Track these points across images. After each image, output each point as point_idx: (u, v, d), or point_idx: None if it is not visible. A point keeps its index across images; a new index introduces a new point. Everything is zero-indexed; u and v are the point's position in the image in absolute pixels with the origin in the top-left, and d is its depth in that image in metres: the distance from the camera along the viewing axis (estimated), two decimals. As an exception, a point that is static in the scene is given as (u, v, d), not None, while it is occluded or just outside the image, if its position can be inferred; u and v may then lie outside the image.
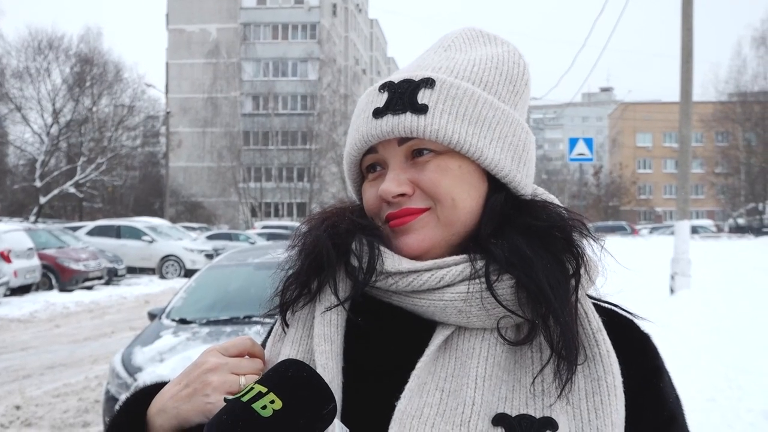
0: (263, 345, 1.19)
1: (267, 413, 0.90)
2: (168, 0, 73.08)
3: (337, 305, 1.10)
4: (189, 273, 25.75)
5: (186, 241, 29.64)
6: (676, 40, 15.87)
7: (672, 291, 14.72)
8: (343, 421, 1.01)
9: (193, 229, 42.13)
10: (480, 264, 1.06)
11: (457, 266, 1.07)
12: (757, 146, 59.75)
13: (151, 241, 28.13)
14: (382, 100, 1.12)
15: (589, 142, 18.58)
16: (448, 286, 1.06)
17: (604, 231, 43.01)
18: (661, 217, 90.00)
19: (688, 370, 7.58)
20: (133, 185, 61.64)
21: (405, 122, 1.08)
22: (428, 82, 1.10)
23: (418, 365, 1.04)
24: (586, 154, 18.34)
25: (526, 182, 1.15)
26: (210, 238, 35.68)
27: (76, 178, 47.13)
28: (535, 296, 1.03)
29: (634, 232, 53.42)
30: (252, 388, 0.93)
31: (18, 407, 8.55)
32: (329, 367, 1.05)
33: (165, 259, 27.85)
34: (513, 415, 1.00)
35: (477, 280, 1.05)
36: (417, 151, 1.11)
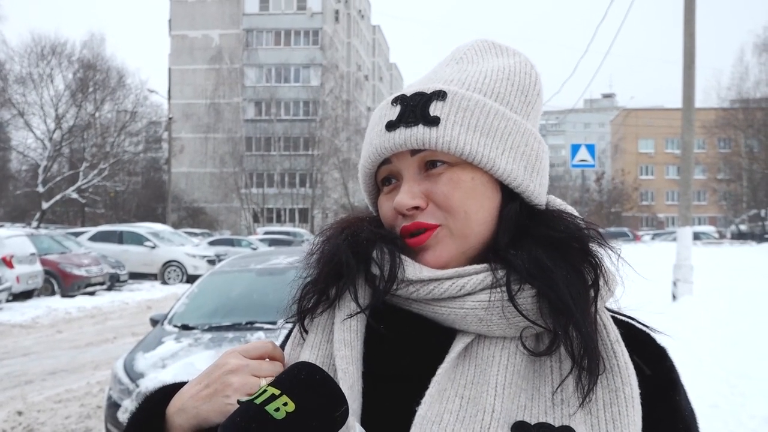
0: (282, 348, 1.19)
1: (280, 415, 0.91)
2: (171, 6, 73.23)
3: (358, 312, 1.11)
4: (191, 279, 25.75)
5: (188, 247, 29.63)
6: (679, 46, 15.93)
7: (674, 297, 14.71)
8: (363, 425, 1.02)
9: (196, 234, 42.16)
10: (501, 273, 1.07)
11: (478, 275, 1.08)
12: (760, 153, 59.72)
13: (153, 247, 28.12)
14: (394, 113, 1.13)
15: (591, 148, 18.57)
16: (469, 294, 1.07)
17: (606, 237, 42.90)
18: (664, 223, 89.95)
19: (690, 377, 7.56)
20: (135, 191, 61.67)
21: (417, 134, 1.09)
22: (440, 95, 1.11)
23: (439, 371, 1.05)
24: (589, 161, 18.34)
25: (539, 192, 1.16)
26: (212, 243, 35.69)
27: (79, 183, 47.19)
28: (557, 307, 1.04)
29: (636, 238, 53.35)
30: (265, 391, 0.94)
31: (20, 413, 8.54)
32: (350, 372, 1.06)
33: (167, 264, 27.84)
34: (532, 423, 1.01)
35: (498, 290, 1.06)
36: (430, 162, 1.12)
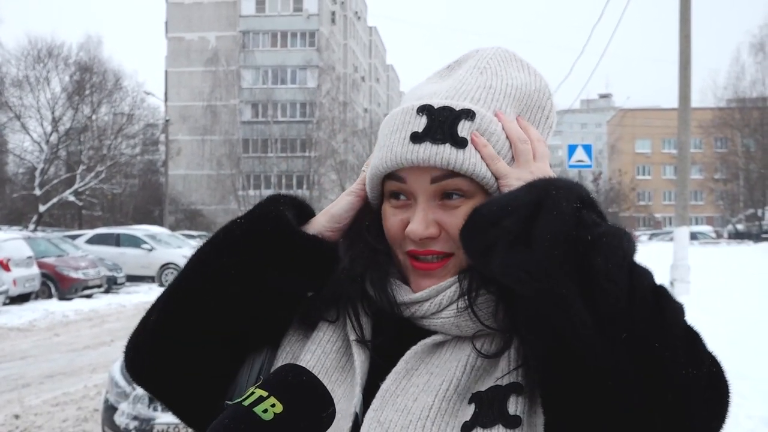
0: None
1: (268, 417, 0.93)
2: (167, 8, 73.16)
3: (366, 342, 1.19)
4: (188, 281, 25.71)
5: (185, 249, 29.57)
6: (675, 46, 15.91)
7: (672, 297, 14.72)
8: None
9: (193, 236, 42.05)
10: (465, 283, 1.13)
11: (450, 288, 1.14)
12: (756, 152, 59.80)
13: (150, 249, 28.11)
14: (420, 124, 1.13)
15: (588, 148, 18.59)
16: (445, 308, 1.13)
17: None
18: (660, 223, 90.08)
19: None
20: (132, 193, 61.56)
21: (444, 154, 1.10)
22: (468, 114, 1.12)
23: (408, 352, 1.13)
24: (585, 161, 18.35)
25: None
26: (209, 245, 35.62)
27: (76, 186, 47.10)
28: (508, 312, 1.10)
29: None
30: (253, 393, 0.96)
31: (17, 416, 8.53)
32: (361, 361, 1.16)
33: (164, 267, 27.83)
34: (484, 390, 1.07)
35: (464, 299, 1.12)
36: (446, 193, 1.14)
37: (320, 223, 1.26)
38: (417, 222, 1.12)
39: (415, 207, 1.14)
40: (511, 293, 1.03)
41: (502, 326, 1.11)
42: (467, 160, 1.09)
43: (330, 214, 1.26)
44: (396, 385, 1.10)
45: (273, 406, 0.94)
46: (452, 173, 1.11)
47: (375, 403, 1.08)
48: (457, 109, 1.12)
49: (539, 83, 1.23)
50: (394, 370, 1.11)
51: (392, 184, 1.17)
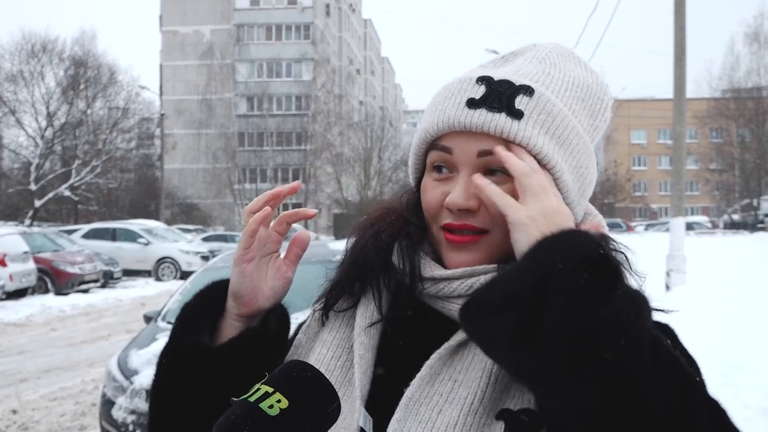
0: (292, 340, 1.27)
1: (274, 412, 0.93)
2: (161, 2, 72.97)
3: (379, 320, 1.17)
4: (185, 275, 25.72)
5: (182, 243, 29.63)
6: (670, 37, 15.91)
7: (667, 287, 14.76)
8: (367, 408, 1.08)
9: (189, 231, 42.08)
10: None
11: (487, 275, 1.09)
12: (751, 142, 59.78)
13: (146, 244, 28.10)
14: (478, 92, 1.11)
15: (583, 139, 18.58)
16: None
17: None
18: (657, 213, 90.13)
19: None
20: (128, 188, 61.45)
21: (499, 121, 1.08)
22: (528, 90, 1.11)
23: (432, 356, 1.08)
24: (581, 152, 18.35)
25: (580, 214, 1.18)
26: (206, 239, 35.67)
27: (71, 181, 47.00)
28: None
29: (629, 229, 53.51)
30: (259, 389, 0.96)
31: (15, 411, 8.54)
32: (366, 358, 1.13)
33: (161, 261, 27.84)
34: (515, 410, 1.02)
35: None
36: (491, 169, 1.11)
37: (232, 311, 1.22)
38: (458, 191, 1.10)
39: (457, 179, 1.12)
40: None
41: None
42: (522, 131, 1.07)
43: (233, 295, 1.20)
44: (420, 392, 1.05)
45: (279, 401, 0.94)
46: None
47: (398, 413, 1.04)
48: (517, 84, 1.11)
49: (596, 78, 1.21)
50: (419, 375, 1.07)
51: (437, 155, 1.15)
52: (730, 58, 67.49)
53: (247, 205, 1.26)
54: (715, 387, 7.33)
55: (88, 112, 52.18)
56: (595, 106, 1.19)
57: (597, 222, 1.21)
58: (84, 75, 51.79)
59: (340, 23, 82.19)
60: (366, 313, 1.18)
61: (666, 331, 1.15)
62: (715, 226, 62.49)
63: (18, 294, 19.84)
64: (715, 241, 35.83)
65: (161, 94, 67.73)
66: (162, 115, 51.57)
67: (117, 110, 54.20)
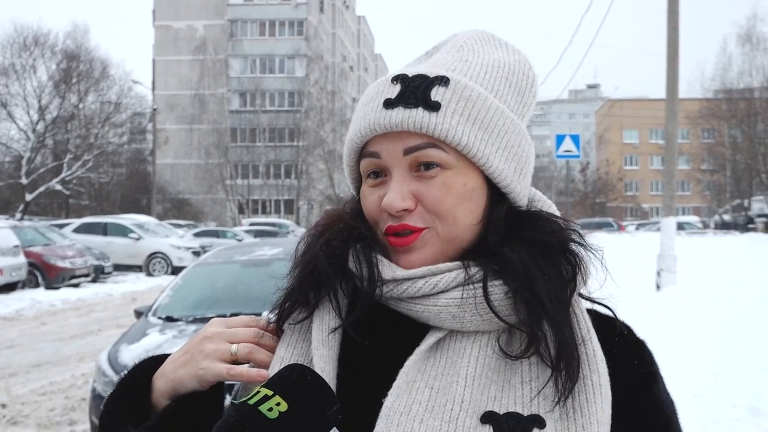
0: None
1: (273, 415, 0.93)
2: (154, -4, 72.84)
3: (340, 326, 1.12)
4: (176, 270, 25.65)
5: (173, 239, 29.56)
6: (663, 37, 15.93)
7: (658, 287, 14.79)
8: (341, 422, 1.02)
9: (180, 226, 42.05)
10: (473, 270, 1.07)
11: (451, 273, 1.07)
12: (743, 143, 59.92)
13: (138, 239, 28.03)
14: (394, 91, 1.10)
15: (575, 138, 18.65)
16: (442, 292, 1.07)
17: (591, 227, 43.16)
18: (648, 213, 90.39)
19: (673, 366, 7.62)
20: (119, 182, 61.38)
21: (416, 117, 1.07)
22: (443, 80, 1.09)
23: (407, 363, 1.05)
24: (573, 151, 18.42)
25: (524, 194, 1.16)
26: (197, 235, 35.60)
27: (63, 175, 46.92)
28: (534, 308, 1.04)
29: (620, 228, 53.55)
30: (258, 392, 0.96)
31: (4, 405, 8.51)
32: (327, 371, 1.07)
33: (152, 256, 27.77)
34: (501, 413, 1.01)
35: (471, 286, 1.06)
36: (422, 164, 1.09)
37: (160, 392, 1.17)
38: (392, 194, 1.08)
39: (390, 182, 1.10)
40: (526, 287, 1.03)
41: (522, 321, 1.05)
42: (440, 124, 1.06)
43: (176, 388, 1.15)
44: (399, 401, 1.02)
45: (278, 404, 0.94)
46: (426, 144, 1.07)
47: (380, 425, 1.01)
48: (431, 76, 1.10)
49: (519, 56, 1.20)
50: (395, 384, 1.04)
51: (368, 162, 1.13)
52: (722, 58, 67.46)
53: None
54: (705, 386, 7.37)
55: (80, 106, 52.11)
56: (520, 83, 1.17)
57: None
58: (76, 69, 51.72)
59: (333, 20, 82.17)
60: (323, 324, 1.12)
61: (641, 354, 1.15)
62: (706, 226, 62.64)
63: (8, 288, 19.78)
64: (705, 241, 35.93)
65: (154, 88, 67.63)
66: (154, 109, 51.44)
67: (109, 104, 54.17)
